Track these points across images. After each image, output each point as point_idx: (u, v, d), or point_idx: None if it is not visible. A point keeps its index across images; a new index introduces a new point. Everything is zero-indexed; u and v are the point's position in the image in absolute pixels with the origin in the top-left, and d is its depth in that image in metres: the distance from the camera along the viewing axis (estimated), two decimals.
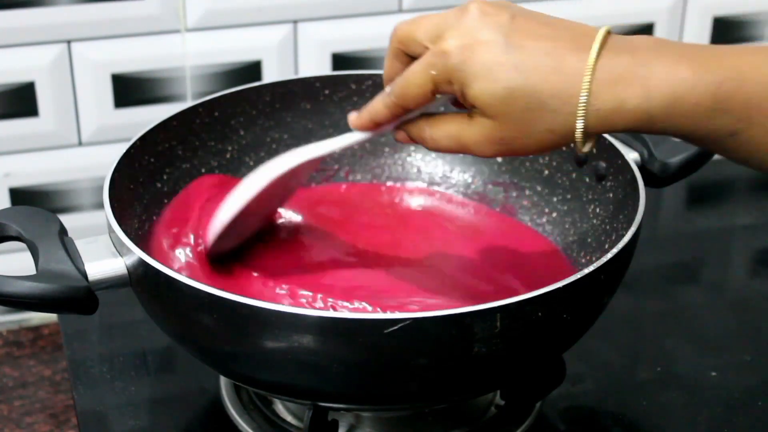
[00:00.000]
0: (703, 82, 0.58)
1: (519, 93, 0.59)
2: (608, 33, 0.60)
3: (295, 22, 1.00)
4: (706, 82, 0.58)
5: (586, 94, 0.58)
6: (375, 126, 0.67)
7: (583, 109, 0.59)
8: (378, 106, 0.66)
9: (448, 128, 0.64)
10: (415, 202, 0.86)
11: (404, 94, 0.64)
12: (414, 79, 0.63)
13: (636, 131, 0.60)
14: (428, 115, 0.65)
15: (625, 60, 0.59)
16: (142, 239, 0.76)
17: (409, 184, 0.88)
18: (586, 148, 0.61)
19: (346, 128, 0.87)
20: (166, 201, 0.80)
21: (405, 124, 0.66)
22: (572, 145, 0.61)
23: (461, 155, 0.87)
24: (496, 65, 0.59)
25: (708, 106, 0.58)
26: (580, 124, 0.59)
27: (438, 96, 0.63)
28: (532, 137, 0.61)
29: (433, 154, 0.88)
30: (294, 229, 0.83)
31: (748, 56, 0.59)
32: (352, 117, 0.69)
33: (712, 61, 0.58)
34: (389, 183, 0.88)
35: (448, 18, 0.62)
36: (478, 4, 0.62)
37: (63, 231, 0.68)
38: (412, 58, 0.64)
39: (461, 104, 0.63)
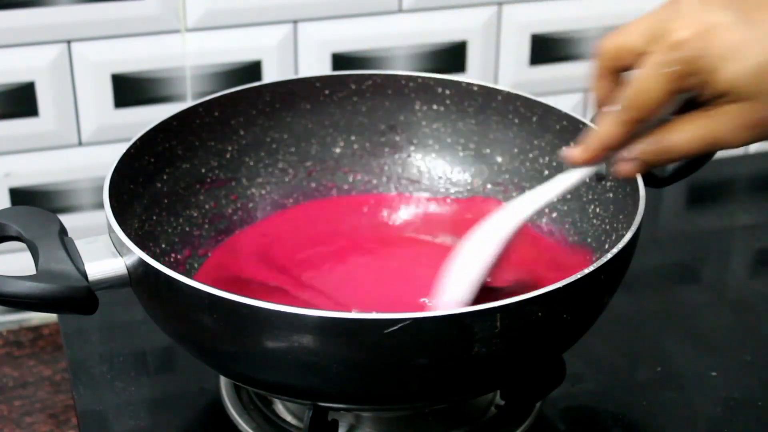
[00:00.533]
0: None
1: None
2: None
3: (295, 22, 1.00)
4: None
5: None
6: (606, 153, 0.63)
7: None
8: (608, 128, 0.61)
9: (692, 129, 0.60)
10: (416, 204, 0.86)
11: (640, 103, 0.59)
12: (649, 84, 0.59)
13: None
14: (659, 127, 0.61)
15: None
16: (142, 239, 0.76)
17: (410, 185, 0.88)
18: None
19: (346, 128, 0.88)
20: (166, 201, 0.80)
21: (633, 149, 0.62)
22: None
23: (461, 155, 0.87)
24: (741, 43, 0.57)
25: None
26: None
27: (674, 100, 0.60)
28: None
29: (434, 155, 0.88)
30: (298, 231, 0.83)
31: None
32: (575, 153, 0.64)
33: None
34: (388, 183, 0.88)
35: (662, 15, 0.59)
36: None
37: (63, 231, 0.68)
38: (623, 71, 0.62)
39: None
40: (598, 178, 0.78)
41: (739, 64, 0.57)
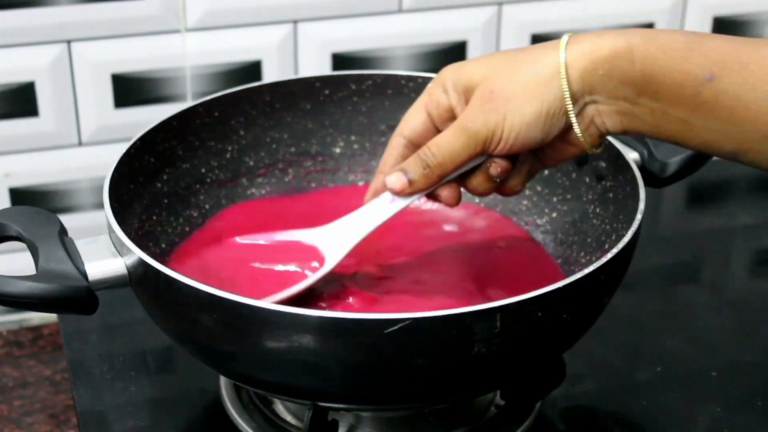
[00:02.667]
0: (673, 32, 0.61)
1: (502, 53, 0.65)
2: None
3: (295, 22, 1.00)
4: (676, 32, 0.61)
5: (566, 38, 0.63)
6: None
7: (565, 40, 0.62)
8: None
9: (445, 132, 0.66)
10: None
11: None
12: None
13: (619, 76, 0.61)
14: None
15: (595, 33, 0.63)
16: (142, 239, 0.76)
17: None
18: (594, 149, 0.63)
19: (345, 128, 0.88)
20: (166, 201, 0.80)
21: (402, 167, 0.68)
22: (579, 140, 0.63)
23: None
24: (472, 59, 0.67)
25: (684, 43, 0.60)
26: (562, 55, 0.62)
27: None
28: (516, 82, 0.63)
29: None
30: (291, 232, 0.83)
31: (716, 35, 0.62)
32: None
33: (679, 31, 0.62)
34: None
35: None
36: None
37: (63, 231, 0.68)
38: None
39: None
40: (598, 178, 0.79)
41: (474, 62, 0.67)
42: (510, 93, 0.63)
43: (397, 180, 0.68)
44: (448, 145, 0.66)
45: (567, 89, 0.62)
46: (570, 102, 0.62)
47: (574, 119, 0.63)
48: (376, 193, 0.71)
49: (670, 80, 0.60)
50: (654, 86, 0.61)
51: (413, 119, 0.69)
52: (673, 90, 0.61)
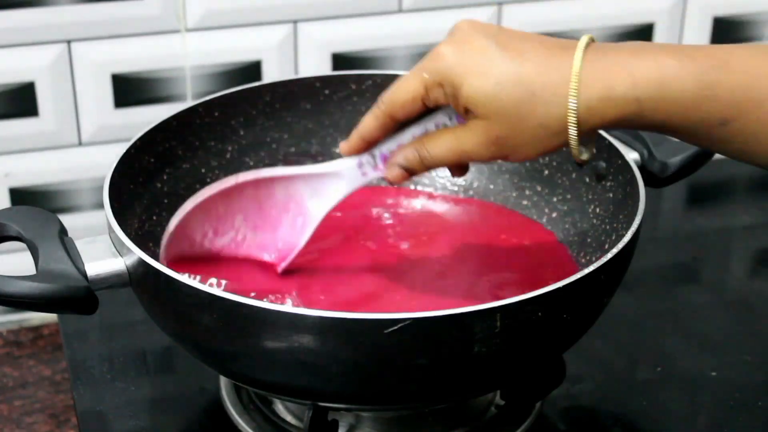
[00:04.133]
0: (687, 69, 0.59)
1: (510, 87, 0.61)
2: (591, 39, 0.62)
3: (295, 22, 1.00)
4: (691, 69, 0.59)
5: (576, 82, 0.60)
6: (365, 144, 0.69)
7: (574, 97, 0.60)
8: (366, 120, 0.68)
9: (444, 140, 0.65)
10: (415, 202, 0.86)
11: (393, 100, 0.66)
12: (404, 84, 0.65)
13: (628, 125, 0.61)
14: (419, 138, 0.67)
15: (610, 55, 0.61)
16: (142, 239, 0.76)
17: (410, 184, 0.88)
18: (584, 156, 0.63)
19: (346, 128, 0.88)
20: (166, 201, 0.80)
21: (397, 155, 0.68)
22: (571, 151, 0.62)
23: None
24: (487, 62, 0.61)
25: (695, 92, 0.59)
26: (572, 116, 0.60)
27: (428, 112, 0.65)
28: (526, 134, 0.62)
29: None
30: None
31: (734, 49, 0.60)
32: (342, 145, 0.70)
33: (696, 52, 0.60)
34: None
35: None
36: (466, 21, 0.65)
37: (63, 231, 0.68)
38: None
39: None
40: (598, 178, 0.79)
41: (480, 81, 0.61)
42: (516, 142, 0.63)
43: (399, 174, 0.68)
44: (444, 156, 0.66)
45: (575, 140, 0.62)
46: (578, 147, 0.62)
47: (580, 152, 0.63)
48: (351, 150, 0.70)
49: (683, 128, 0.61)
50: (667, 131, 0.62)
51: (408, 107, 0.67)
52: (688, 133, 0.61)
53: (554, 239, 0.81)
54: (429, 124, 0.67)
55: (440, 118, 0.67)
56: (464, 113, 0.63)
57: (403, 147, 0.67)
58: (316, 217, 0.74)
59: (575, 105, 0.60)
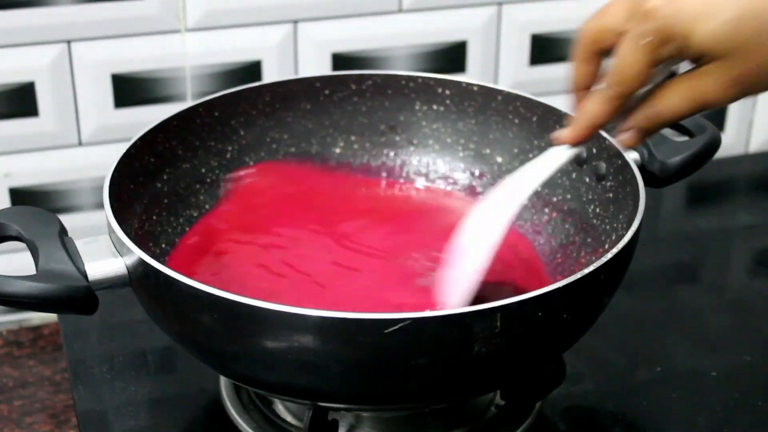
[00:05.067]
0: None
1: (747, 19, 0.58)
2: None
3: (295, 22, 1.00)
4: None
5: None
6: (594, 131, 0.65)
7: None
8: (594, 106, 0.63)
9: (679, 92, 0.61)
10: (413, 200, 0.86)
11: (623, 78, 0.61)
12: (629, 57, 0.60)
13: None
14: (649, 96, 0.63)
15: None
16: (142, 239, 0.76)
17: (409, 183, 0.88)
18: None
19: (346, 128, 0.88)
20: (166, 201, 0.80)
21: (629, 120, 0.63)
22: None
23: (461, 155, 0.87)
24: (709, 3, 0.58)
25: None
26: None
27: (656, 70, 0.61)
28: None
29: (434, 155, 0.88)
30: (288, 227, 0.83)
31: None
32: (564, 134, 0.66)
33: None
34: (385, 188, 0.88)
35: None
36: None
37: (63, 231, 0.68)
38: (603, 58, 0.63)
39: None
40: (598, 178, 0.78)
41: (709, 24, 0.58)
42: (760, 74, 0.59)
43: (634, 137, 0.64)
44: (681, 109, 0.62)
45: None
46: None
47: None
48: (578, 139, 0.66)
49: None
50: None
51: (642, 79, 0.61)
52: None
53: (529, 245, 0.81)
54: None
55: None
56: (696, 60, 0.60)
57: (635, 112, 0.63)
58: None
59: None
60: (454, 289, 0.70)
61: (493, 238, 0.69)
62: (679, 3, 0.58)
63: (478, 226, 0.71)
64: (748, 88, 0.60)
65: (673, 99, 0.62)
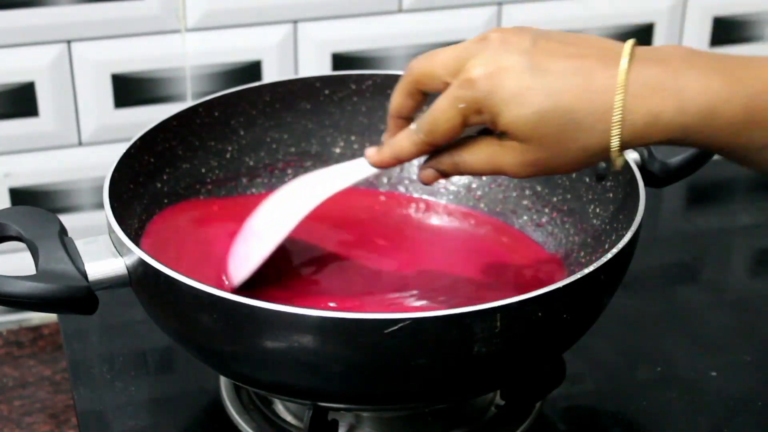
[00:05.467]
0: (737, 95, 0.57)
1: (551, 116, 0.59)
2: (635, 45, 0.59)
3: (295, 22, 1.00)
4: (740, 95, 0.57)
5: (620, 109, 0.58)
6: (397, 163, 0.67)
7: (618, 125, 0.58)
8: (403, 143, 0.66)
9: (481, 153, 0.63)
10: (414, 205, 0.86)
11: (433, 130, 0.63)
12: (442, 115, 0.62)
13: (669, 144, 0.60)
14: (457, 144, 0.65)
15: (656, 71, 0.58)
16: (142, 239, 0.76)
17: (410, 185, 0.88)
18: (620, 163, 0.61)
19: (346, 128, 0.88)
20: (166, 201, 0.80)
21: (431, 159, 0.66)
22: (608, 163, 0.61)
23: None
24: (525, 90, 0.59)
25: (742, 120, 0.57)
26: (615, 141, 0.59)
27: (466, 128, 0.63)
28: (566, 156, 0.61)
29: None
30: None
31: None
32: (371, 153, 0.68)
33: (744, 72, 0.58)
34: (388, 183, 0.88)
35: (467, 49, 0.62)
36: (497, 32, 0.62)
37: (63, 231, 0.68)
38: (425, 95, 0.65)
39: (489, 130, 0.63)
40: (598, 178, 0.79)
41: (519, 110, 0.59)
42: (555, 164, 0.61)
43: (432, 176, 0.67)
44: (479, 168, 0.64)
45: (617, 158, 0.60)
46: (617, 160, 0.61)
47: (617, 164, 0.62)
48: (381, 164, 0.69)
49: (728, 150, 0.59)
50: (709, 150, 0.61)
51: (449, 135, 0.64)
52: (730, 155, 0.60)
53: (546, 254, 0.81)
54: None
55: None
56: (503, 134, 0.62)
57: (440, 154, 0.65)
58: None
59: (619, 132, 0.58)
60: (240, 266, 0.73)
61: (281, 230, 0.72)
62: (497, 82, 0.60)
63: (272, 213, 0.73)
64: (541, 171, 0.62)
65: (476, 156, 0.64)
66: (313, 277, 0.78)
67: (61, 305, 0.65)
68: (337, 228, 0.83)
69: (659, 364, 0.83)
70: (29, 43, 0.94)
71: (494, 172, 0.64)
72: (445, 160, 0.65)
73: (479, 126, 0.64)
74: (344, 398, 0.67)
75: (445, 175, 0.66)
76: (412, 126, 0.65)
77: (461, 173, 0.65)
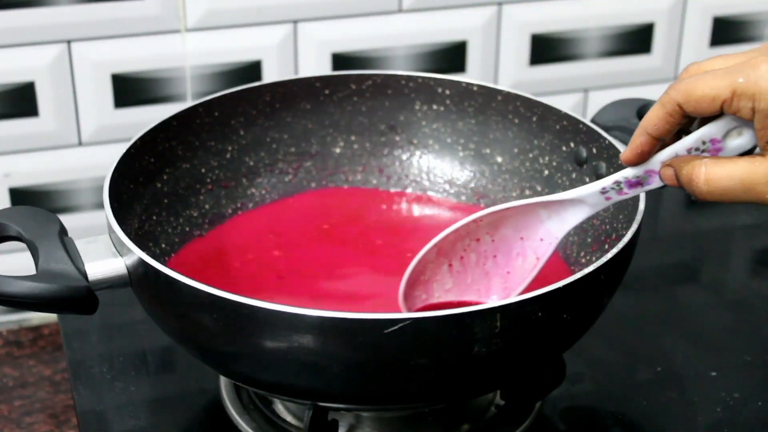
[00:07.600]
0: None
1: None
2: None
3: (295, 22, 1.00)
4: None
5: None
6: (650, 140, 0.61)
7: None
8: (650, 112, 0.60)
9: (732, 167, 0.58)
10: (414, 205, 0.86)
11: (691, 90, 0.58)
12: (710, 80, 0.57)
13: None
14: (707, 156, 0.60)
15: None
16: (142, 239, 0.76)
17: (409, 185, 0.88)
18: None
19: (346, 128, 0.88)
20: (166, 201, 0.80)
21: (676, 159, 0.61)
22: None
23: (461, 155, 0.87)
24: None
25: None
26: None
27: (721, 121, 0.59)
28: None
29: (434, 155, 0.88)
30: (290, 234, 0.83)
31: None
32: (625, 154, 0.63)
33: None
34: (388, 183, 0.88)
35: (746, 72, 0.57)
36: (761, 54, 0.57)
37: (63, 231, 0.68)
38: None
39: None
40: (598, 178, 0.78)
41: None
42: None
43: (671, 177, 0.62)
44: (725, 186, 0.59)
45: None
46: None
47: None
48: (635, 153, 0.63)
49: None
50: None
51: (704, 104, 0.58)
52: None
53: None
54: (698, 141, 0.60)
55: (708, 134, 0.60)
56: (766, 143, 0.57)
57: (685, 157, 0.61)
58: (555, 236, 0.71)
59: None
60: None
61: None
62: None
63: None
64: None
65: (727, 170, 0.59)
66: (313, 278, 0.78)
67: (61, 305, 0.65)
68: (337, 228, 0.84)
69: (659, 364, 0.83)
70: (29, 43, 0.94)
71: (740, 192, 0.58)
72: (686, 167, 0.60)
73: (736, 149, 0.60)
74: (344, 398, 0.67)
75: (688, 184, 0.60)
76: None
77: (697, 190, 0.60)
